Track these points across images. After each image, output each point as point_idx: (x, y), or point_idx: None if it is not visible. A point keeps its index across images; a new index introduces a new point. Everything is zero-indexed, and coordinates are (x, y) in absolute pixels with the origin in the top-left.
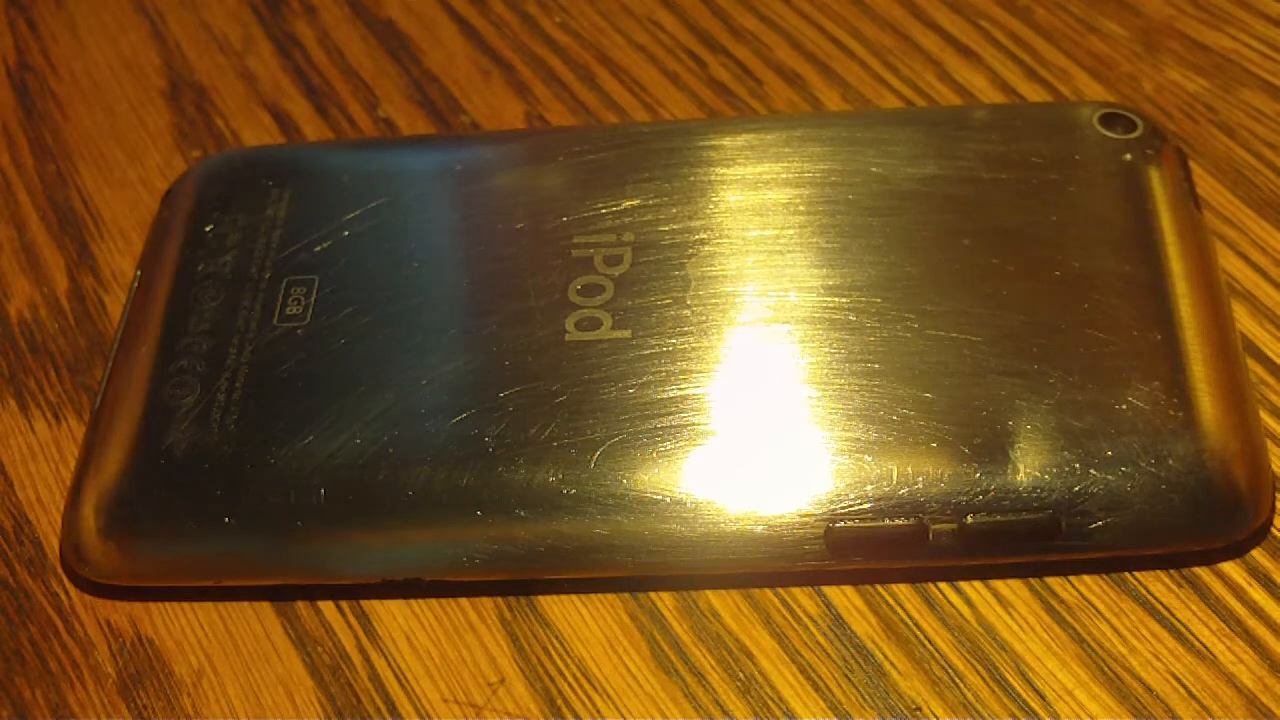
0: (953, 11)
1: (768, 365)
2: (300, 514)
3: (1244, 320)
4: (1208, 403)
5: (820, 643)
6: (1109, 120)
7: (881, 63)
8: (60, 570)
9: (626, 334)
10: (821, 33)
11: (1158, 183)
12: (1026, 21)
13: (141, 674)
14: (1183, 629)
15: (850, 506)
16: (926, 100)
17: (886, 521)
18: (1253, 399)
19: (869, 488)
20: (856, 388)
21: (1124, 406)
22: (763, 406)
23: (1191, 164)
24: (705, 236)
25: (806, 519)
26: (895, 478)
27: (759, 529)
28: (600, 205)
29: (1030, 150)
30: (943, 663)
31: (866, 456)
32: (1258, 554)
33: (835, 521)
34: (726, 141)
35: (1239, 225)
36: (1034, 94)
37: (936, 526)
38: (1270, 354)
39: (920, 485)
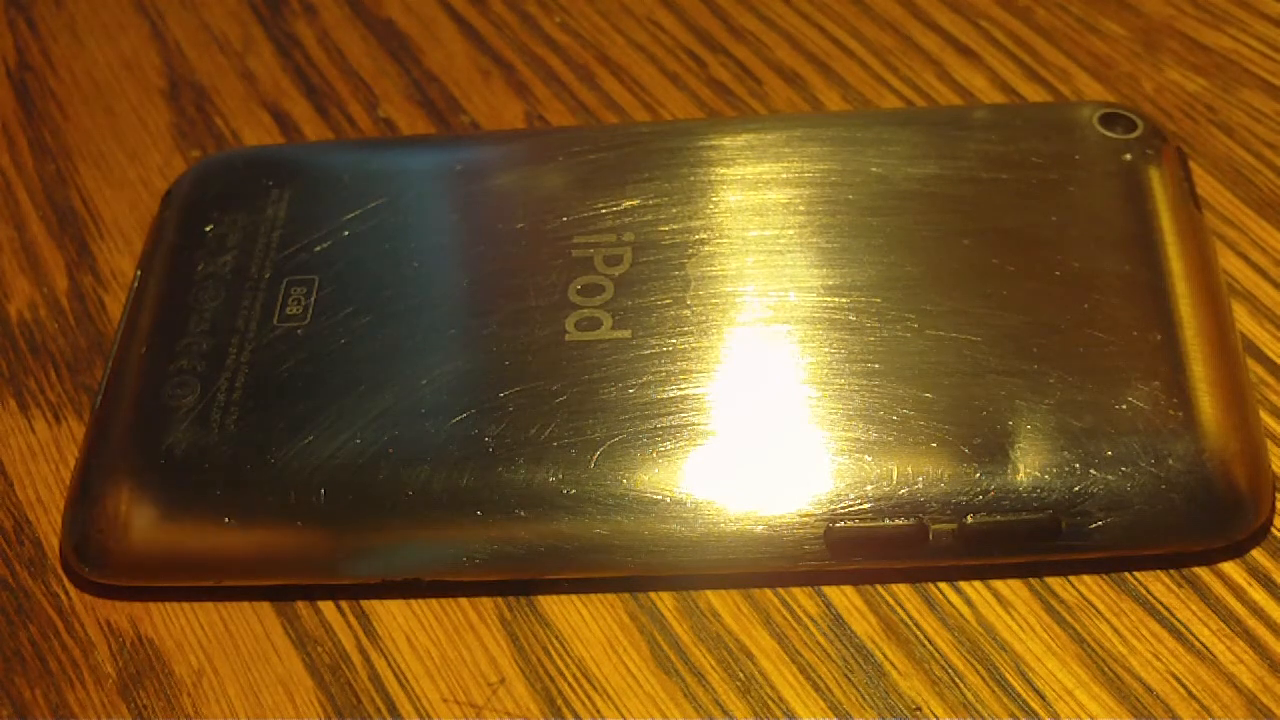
0: (953, 11)
1: (768, 365)
2: (300, 514)
3: (1244, 320)
4: (1208, 403)
5: (820, 643)
6: (1109, 120)
7: (881, 63)
8: (60, 570)
9: (626, 334)
10: (821, 33)
11: (1158, 183)
12: (1026, 21)
13: (141, 674)
14: (1183, 629)
15: (850, 506)
16: (926, 100)
17: (886, 521)
18: (1253, 399)
19: (869, 488)
20: (856, 388)
21: (1124, 406)
22: (762, 406)
23: (1191, 164)
24: (705, 236)
25: (806, 519)
26: (895, 478)
27: (759, 529)
28: (600, 205)
29: (1030, 150)
30: (943, 663)
31: (866, 456)
32: (1258, 554)
33: (835, 521)
34: (726, 141)
35: (1239, 225)
36: (1034, 94)
37: (936, 526)
38: (1270, 354)
39: (920, 485)
